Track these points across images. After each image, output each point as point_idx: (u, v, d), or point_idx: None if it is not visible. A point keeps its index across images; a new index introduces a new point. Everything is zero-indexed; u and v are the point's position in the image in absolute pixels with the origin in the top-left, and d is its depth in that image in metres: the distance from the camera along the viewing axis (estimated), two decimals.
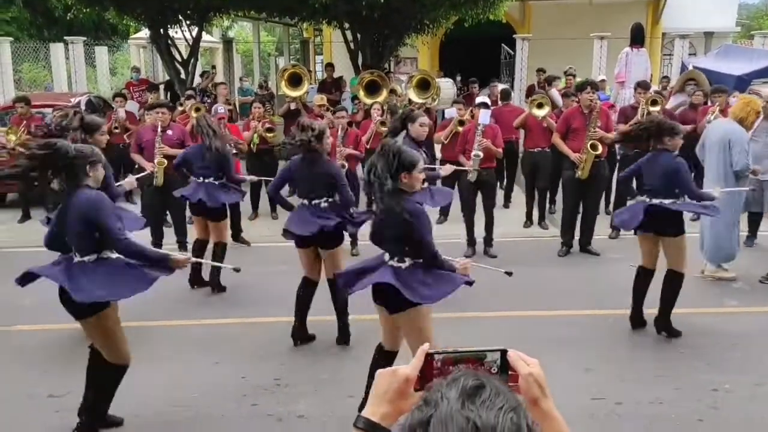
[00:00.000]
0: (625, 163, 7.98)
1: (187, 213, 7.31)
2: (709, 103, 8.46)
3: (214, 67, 16.71)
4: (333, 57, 17.03)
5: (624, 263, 7.15)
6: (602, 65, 13.75)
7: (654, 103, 8.03)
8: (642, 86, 8.28)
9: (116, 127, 9.55)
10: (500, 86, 10.34)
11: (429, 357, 1.19)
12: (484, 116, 7.27)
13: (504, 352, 1.21)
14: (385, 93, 9.99)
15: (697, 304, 5.97)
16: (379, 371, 1.24)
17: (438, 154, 9.18)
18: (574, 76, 11.78)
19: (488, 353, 1.21)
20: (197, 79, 13.63)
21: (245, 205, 8.17)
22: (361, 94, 10.12)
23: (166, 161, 7.14)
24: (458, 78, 16.78)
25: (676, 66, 14.31)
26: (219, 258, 6.19)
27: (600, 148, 7.18)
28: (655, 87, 11.51)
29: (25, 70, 17.62)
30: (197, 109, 8.69)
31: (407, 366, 1.19)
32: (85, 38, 15.32)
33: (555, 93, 10.18)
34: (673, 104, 9.50)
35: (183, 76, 13.23)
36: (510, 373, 1.21)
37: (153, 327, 5.58)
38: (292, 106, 10.02)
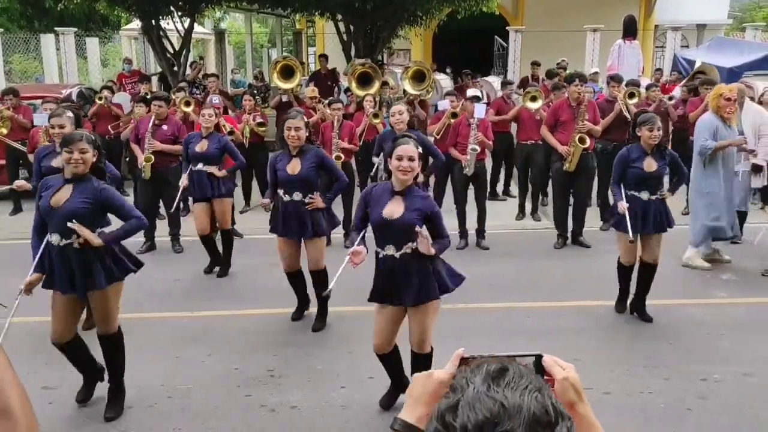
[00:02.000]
0: (604, 157, 8.00)
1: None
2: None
3: (201, 58, 16.65)
4: (326, 49, 16.98)
5: (615, 255, 7.21)
6: (595, 57, 13.78)
7: (632, 96, 8.08)
8: (615, 80, 8.33)
9: (100, 99, 9.53)
10: (490, 79, 10.26)
11: (464, 360, 1.22)
12: (479, 110, 7.29)
13: (539, 357, 1.23)
14: (377, 85, 9.99)
15: (687, 294, 6.04)
16: (416, 375, 1.28)
17: None
18: (565, 68, 11.81)
19: (522, 358, 1.21)
20: (189, 71, 13.58)
21: (238, 198, 8.17)
22: (354, 86, 10.11)
23: (153, 157, 7.14)
24: (449, 70, 16.79)
25: (669, 58, 14.37)
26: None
27: (588, 141, 7.22)
28: (647, 80, 11.58)
29: (16, 62, 17.49)
30: (187, 103, 8.67)
31: (442, 370, 1.24)
32: (76, 29, 15.22)
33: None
34: (678, 94, 9.54)
35: (175, 67, 13.17)
36: (545, 378, 1.22)
37: (146, 319, 5.59)
38: (284, 98, 10.01)
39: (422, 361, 3.88)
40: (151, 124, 7.24)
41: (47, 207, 3.79)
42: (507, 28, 15.24)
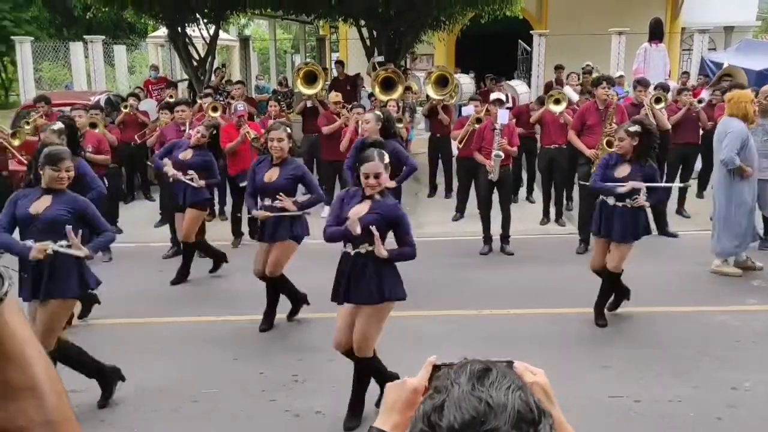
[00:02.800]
0: None
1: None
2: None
3: (224, 65, 16.80)
4: (348, 54, 17.05)
5: (641, 261, 7.11)
6: (620, 61, 13.62)
7: (658, 100, 7.97)
8: (642, 84, 8.21)
9: (125, 107, 9.64)
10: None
11: (436, 368, 1.23)
12: (502, 116, 7.25)
13: (510, 363, 1.23)
14: (400, 89, 9.99)
15: (717, 302, 5.92)
16: (389, 384, 1.29)
17: (455, 151, 9.18)
18: (591, 72, 11.70)
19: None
20: (213, 78, 13.72)
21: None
22: (377, 90, 10.13)
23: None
24: (472, 74, 16.73)
25: (696, 61, 14.16)
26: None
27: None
28: (673, 83, 11.43)
29: (46, 69, 17.83)
30: (214, 108, 8.76)
31: (415, 378, 1.24)
32: (104, 37, 15.47)
33: (569, 89, 10.12)
34: (706, 98, 9.40)
35: (200, 74, 13.32)
36: None
37: (172, 323, 5.64)
38: (309, 104, 10.06)
39: (362, 366, 3.97)
40: (187, 128, 7.34)
41: (27, 215, 3.91)
42: (531, 32, 15.14)
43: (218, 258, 6.80)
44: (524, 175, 10.00)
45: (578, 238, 7.54)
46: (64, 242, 3.87)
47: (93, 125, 7.80)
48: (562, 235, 8.17)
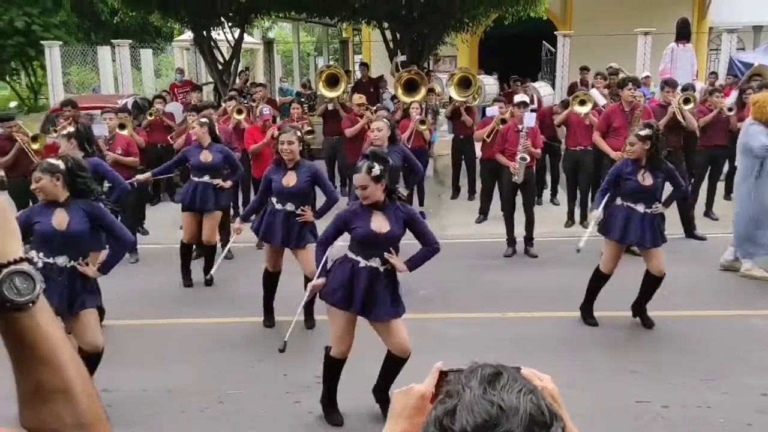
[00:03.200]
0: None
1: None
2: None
3: (248, 68, 16.92)
4: (372, 56, 17.07)
5: (669, 264, 7.01)
6: (646, 61, 13.46)
7: (687, 101, 7.84)
8: (670, 84, 8.09)
9: (151, 114, 9.75)
10: (538, 85, 10.15)
11: (443, 374, 1.23)
12: (529, 119, 7.21)
13: (518, 370, 1.23)
14: (423, 91, 9.98)
15: (745, 305, 5.82)
16: (396, 391, 1.29)
17: (478, 153, 9.14)
18: (617, 73, 11.56)
19: None
20: (239, 80, 13.84)
21: None
22: (400, 92, 10.13)
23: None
24: (495, 76, 16.67)
25: (724, 61, 13.94)
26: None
27: None
28: (701, 84, 11.26)
29: (74, 73, 18.13)
30: (239, 111, 8.83)
31: (422, 384, 1.25)
32: (130, 41, 15.70)
33: (595, 92, 10.02)
34: (732, 101, 9.25)
35: (225, 77, 13.44)
36: None
37: (197, 324, 5.70)
38: (330, 107, 10.10)
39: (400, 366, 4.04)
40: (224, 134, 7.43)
41: (52, 231, 3.89)
42: (555, 32, 15.04)
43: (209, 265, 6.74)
44: (548, 177, 9.92)
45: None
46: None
47: (122, 126, 7.91)
48: (587, 238, 8.07)
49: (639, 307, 5.48)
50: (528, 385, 0.99)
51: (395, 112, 10.07)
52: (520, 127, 7.26)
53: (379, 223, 3.85)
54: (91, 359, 4.05)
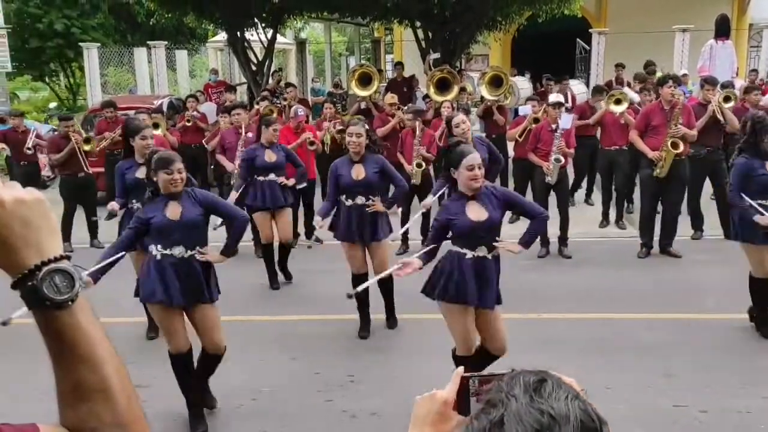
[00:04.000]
0: (696, 163, 7.62)
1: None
2: None
3: (281, 69, 17.05)
4: (403, 56, 17.05)
5: (708, 266, 6.87)
6: (684, 59, 13.20)
7: (727, 99, 7.65)
8: (710, 82, 7.89)
9: (188, 121, 9.87)
10: (572, 83, 10.02)
11: (464, 380, 1.22)
12: (565, 121, 7.12)
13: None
14: (455, 90, 9.93)
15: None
16: (418, 397, 1.28)
17: (510, 152, 9.06)
18: (654, 72, 11.35)
19: None
20: (272, 81, 13.96)
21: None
22: (432, 91, 10.10)
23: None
24: (528, 75, 16.50)
25: (765, 58, 13.62)
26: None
27: (681, 146, 6.89)
28: (741, 81, 10.98)
29: (111, 74, 18.48)
30: (271, 111, 8.90)
31: (444, 390, 1.24)
32: (166, 42, 15.95)
33: (629, 90, 9.86)
34: None
35: (258, 77, 13.57)
36: None
37: (230, 321, 5.74)
38: (362, 106, 10.11)
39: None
40: (243, 135, 7.48)
41: (166, 221, 3.91)
42: (590, 30, 14.84)
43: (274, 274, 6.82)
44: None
45: (639, 242, 7.33)
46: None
47: (155, 126, 8.04)
48: (622, 239, 7.96)
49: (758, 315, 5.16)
50: (572, 391, 0.97)
51: (427, 111, 10.05)
52: (554, 126, 7.17)
53: (477, 213, 3.80)
54: (211, 361, 4.13)
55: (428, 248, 3.94)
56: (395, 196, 5.48)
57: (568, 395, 0.95)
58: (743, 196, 4.93)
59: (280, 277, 6.77)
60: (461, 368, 1.27)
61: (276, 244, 6.73)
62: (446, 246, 3.98)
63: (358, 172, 5.16)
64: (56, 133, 8.45)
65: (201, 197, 4.05)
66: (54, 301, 0.91)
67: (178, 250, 3.93)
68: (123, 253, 3.95)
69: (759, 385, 4.37)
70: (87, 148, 8.05)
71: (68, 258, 0.95)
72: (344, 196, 5.22)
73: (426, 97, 10.80)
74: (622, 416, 3.74)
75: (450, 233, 3.91)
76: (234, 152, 7.47)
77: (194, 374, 4.14)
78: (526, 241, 4.04)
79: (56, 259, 0.93)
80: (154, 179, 3.97)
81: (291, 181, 6.54)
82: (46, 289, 0.91)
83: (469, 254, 3.84)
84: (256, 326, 5.70)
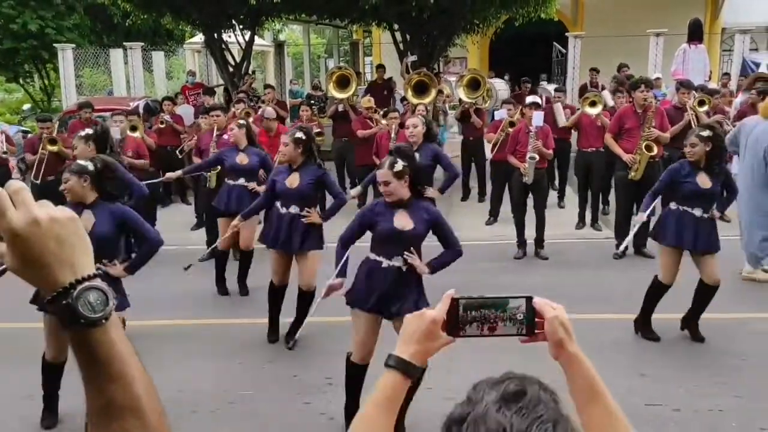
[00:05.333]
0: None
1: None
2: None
3: (254, 71, 16.99)
4: (382, 58, 17.09)
5: (681, 266, 6.96)
6: (658, 63, 13.40)
7: (701, 103, 7.78)
8: (685, 86, 8.01)
9: (162, 123, 9.79)
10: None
11: (454, 302, 1.26)
12: (537, 118, 7.19)
13: (530, 299, 1.26)
14: (433, 93, 9.97)
15: (754, 309, 5.77)
16: (407, 315, 1.32)
17: (488, 155, 9.13)
18: (628, 72, 11.50)
19: (511, 300, 1.26)
20: (244, 84, 13.89)
21: None
22: (409, 94, 10.14)
23: (219, 166, 7.31)
24: (506, 78, 16.64)
25: (737, 62, 13.86)
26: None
27: (655, 148, 7.01)
28: (713, 85, 11.18)
29: (86, 75, 18.25)
30: (248, 114, 8.87)
31: (434, 309, 1.28)
32: (142, 44, 15.80)
33: (606, 94, 9.98)
34: (739, 101, 9.19)
35: (236, 79, 13.51)
36: (537, 320, 1.27)
37: (208, 325, 5.72)
38: (340, 108, 10.11)
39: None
40: (214, 136, 7.43)
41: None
42: (566, 34, 15.01)
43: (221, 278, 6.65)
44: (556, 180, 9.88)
45: (615, 243, 7.42)
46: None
47: (133, 128, 7.96)
48: (598, 240, 8.06)
49: (690, 319, 5.22)
50: (552, 414, 0.93)
51: (404, 114, 10.08)
52: (530, 128, 7.24)
53: (403, 221, 3.78)
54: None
55: (341, 263, 4.00)
56: (333, 208, 5.31)
57: (541, 417, 0.92)
58: (657, 198, 5.20)
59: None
60: (452, 290, 1.30)
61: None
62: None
63: (292, 181, 5.04)
64: (31, 135, 8.36)
65: (117, 212, 3.96)
66: (89, 319, 0.91)
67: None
68: None
69: (731, 383, 4.46)
70: (52, 148, 7.93)
71: (101, 276, 0.95)
72: (279, 203, 5.11)
73: (404, 99, 10.84)
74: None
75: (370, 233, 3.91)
76: (209, 154, 7.42)
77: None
78: (434, 266, 3.92)
79: (90, 278, 0.93)
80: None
81: (263, 188, 6.16)
82: (81, 307, 0.91)
83: (385, 263, 3.82)
84: (233, 330, 5.67)
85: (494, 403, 0.95)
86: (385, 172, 3.75)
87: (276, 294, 5.38)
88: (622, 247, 5.23)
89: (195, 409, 4.28)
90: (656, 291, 5.22)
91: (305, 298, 5.20)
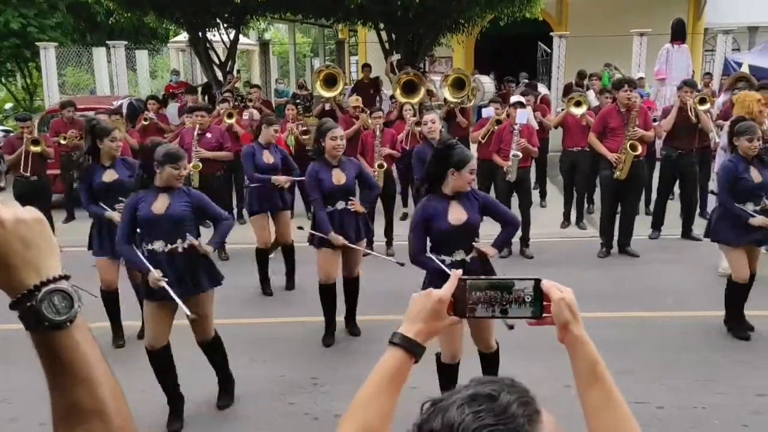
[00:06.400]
0: (667, 165, 7.83)
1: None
2: None
3: (239, 71, 16.92)
4: (368, 57, 17.07)
5: (666, 264, 7.03)
6: (642, 62, 13.49)
7: (702, 101, 7.79)
8: (689, 85, 8.01)
9: (146, 120, 9.70)
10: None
11: (461, 282, 1.26)
12: (521, 116, 7.21)
13: (538, 281, 1.26)
14: (422, 92, 9.94)
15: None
16: (414, 294, 1.32)
17: (474, 153, 9.11)
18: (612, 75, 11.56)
19: (517, 282, 1.26)
20: (228, 83, 13.81)
21: None
22: (398, 93, 10.11)
23: (201, 164, 7.28)
24: (492, 77, 16.69)
25: (719, 62, 13.98)
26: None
27: (639, 147, 7.05)
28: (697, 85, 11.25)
29: (69, 74, 18.07)
30: (230, 115, 8.80)
31: (441, 289, 1.28)
32: (126, 42, 15.66)
33: (590, 94, 10.03)
34: (721, 101, 9.26)
35: (221, 78, 13.43)
36: (545, 303, 1.27)
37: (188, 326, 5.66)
38: (327, 107, 10.08)
39: (493, 358, 4.01)
40: (195, 133, 7.38)
41: (151, 216, 3.99)
42: (551, 33, 15.07)
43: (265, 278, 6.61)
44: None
45: (599, 242, 7.46)
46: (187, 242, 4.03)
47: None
48: (583, 239, 8.10)
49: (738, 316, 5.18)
50: (509, 428, 0.91)
51: (390, 113, 10.06)
52: (514, 126, 7.26)
53: (457, 214, 3.77)
54: (210, 348, 4.28)
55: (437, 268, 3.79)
56: (371, 198, 5.59)
57: (496, 426, 0.90)
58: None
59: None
60: (459, 270, 1.31)
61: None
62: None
63: (339, 177, 5.11)
64: (12, 134, 8.26)
65: (191, 196, 4.13)
66: (53, 321, 0.90)
67: (159, 245, 4.02)
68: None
69: (714, 381, 4.49)
70: (35, 149, 7.83)
71: (67, 278, 0.94)
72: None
73: (392, 98, 10.82)
74: (582, 414, 3.79)
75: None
76: (191, 153, 7.37)
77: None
78: (499, 245, 4.06)
79: (55, 279, 0.92)
80: (157, 171, 4.03)
81: (288, 182, 6.38)
82: (45, 309, 0.90)
83: (448, 260, 3.79)
84: (218, 329, 5.62)
85: (462, 399, 0.94)
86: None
87: (329, 293, 5.27)
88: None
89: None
90: (736, 293, 5.15)
91: (354, 284, 5.35)
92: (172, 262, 3.99)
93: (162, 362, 4.13)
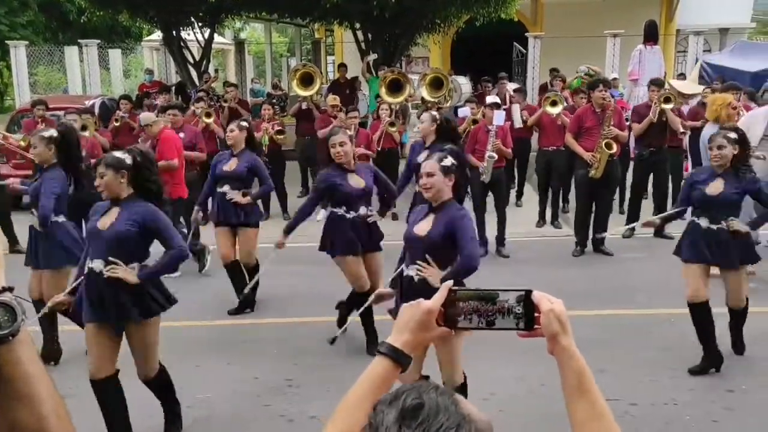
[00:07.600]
0: (640, 164, 7.93)
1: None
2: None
3: (216, 70, 16.79)
4: (344, 57, 17.04)
5: (639, 263, 7.11)
6: (615, 63, 13.65)
7: (667, 100, 7.92)
8: (655, 84, 8.15)
9: (117, 120, 9.57)
10: (510, 85, 10.23)
11: (451, 292, 1.26)
12: (498, 117, 7.24)
13: (529, 292, 1.25)
14: (407, 91, 9.88)
15: (714, 304, 5.90)
16: (404, 305, 1.32)
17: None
18: (591, 75, 11.64)
19: (507, 293, 1.25)
20: (203, 82, 13.70)
21: None
22: (383, 92, 10.05)
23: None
24: (468, 77, 16.75)
25: (691, 63, 14.19)
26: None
27: (614, 146, 7.13)
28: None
29: (41, 73, 17.79)
30: (208, 115, 8.73)
31: (430, 300, 1.27)
32: (99, 41, 15.45)
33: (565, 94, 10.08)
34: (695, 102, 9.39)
35: (195, 77, 13.30)
36: (535, 315, 1.26)
37: (165, 327, 5.58)
38: (303, 106, 10.03)
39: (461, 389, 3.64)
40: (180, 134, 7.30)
41: (93, 230, 3.62)
42: (526, 34, 15.18)
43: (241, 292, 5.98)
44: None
45: (574, 241, 7.53)
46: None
47: (84, 127, 7.74)
48: (558, 238, 8.16)
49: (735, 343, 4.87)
50: (452, 420, 0.92)
51: (375, 112, 10.02)
52: (490, 127, 7.29)
53: (424, 225, 3.54)
54: (153, 387, 3.90)
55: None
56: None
57: (443, 425, 0.92)
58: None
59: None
60: (450, 281, 1.31)
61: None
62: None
63: (357, 182, 4.86)
64: None
65: (145, 214, 3.62)
66: None
67: (97, 264, 3.59)
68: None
69: (686, 377, 4.55)
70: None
71: (10, 290, 0.90)
72: (344, 209, 4.85)
73: (377, 96, 10.76)
74: (556, 413, 3.80)
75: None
76: None
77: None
78: (445, 279, 3.54)
79: None
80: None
81: (246, 199, 5.80)
82: None
83: (405, 271, 3.64)
84: (192, 331, 5.57)
85: (394, 423, 0.93)
86: (432, 163, 3.51)
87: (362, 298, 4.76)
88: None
89: (152, 413, 4.18)
90: (696, 315, 4.71)
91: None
92: (95, 282, 3.57)
93: (106, 395, 3.67)
